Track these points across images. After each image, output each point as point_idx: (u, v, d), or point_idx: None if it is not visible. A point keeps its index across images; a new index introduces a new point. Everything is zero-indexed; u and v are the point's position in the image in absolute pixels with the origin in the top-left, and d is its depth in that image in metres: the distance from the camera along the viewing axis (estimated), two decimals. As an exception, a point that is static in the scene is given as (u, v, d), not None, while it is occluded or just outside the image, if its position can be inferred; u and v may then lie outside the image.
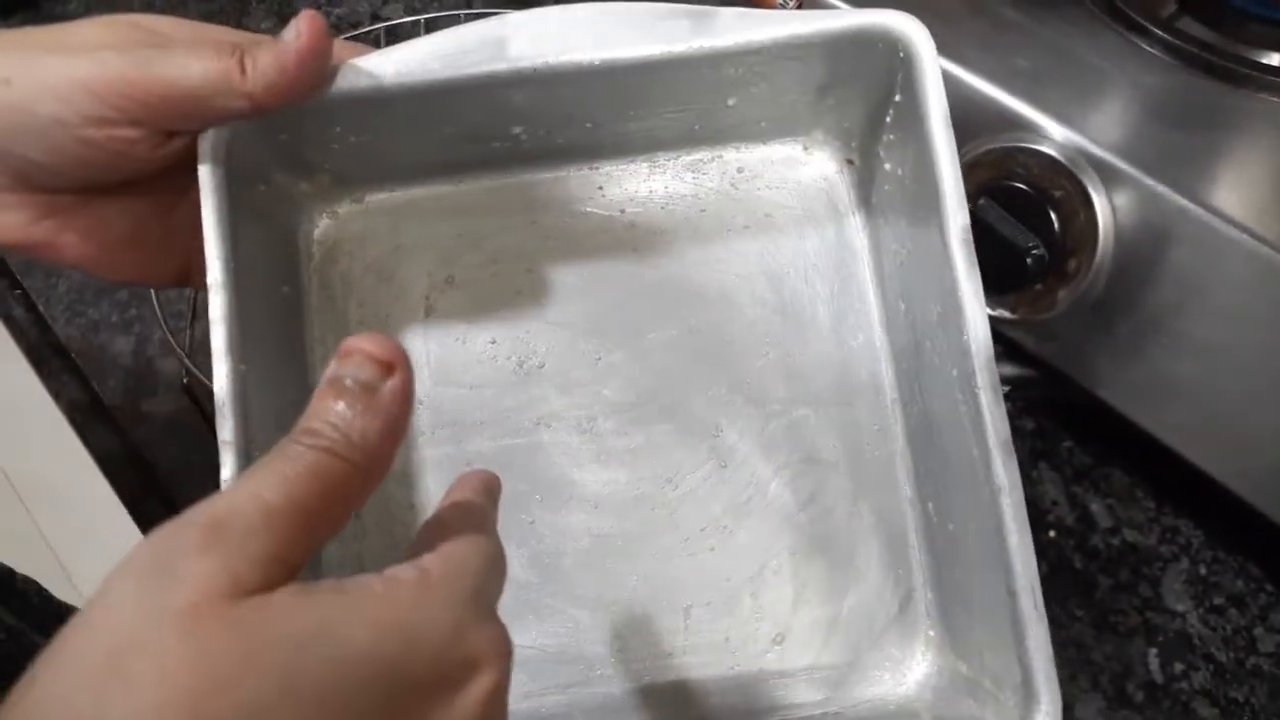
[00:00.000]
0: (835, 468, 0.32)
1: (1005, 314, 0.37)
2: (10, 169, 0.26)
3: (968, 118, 0.35)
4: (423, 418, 0.32)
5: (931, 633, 0.31)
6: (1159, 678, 0.36)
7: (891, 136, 0.30)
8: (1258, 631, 0.37)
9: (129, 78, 0.25)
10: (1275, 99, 0.35)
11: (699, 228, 0.33)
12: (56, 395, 0.43)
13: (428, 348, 0.33)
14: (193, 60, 0.25)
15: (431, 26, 0.48)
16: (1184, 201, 0.32)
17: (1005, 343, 0.38)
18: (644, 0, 0.28)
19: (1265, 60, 0.36)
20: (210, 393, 0.27)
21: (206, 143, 0.28)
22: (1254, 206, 0.32)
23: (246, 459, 0.27)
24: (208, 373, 0.28)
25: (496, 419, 0.32)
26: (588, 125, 0.31)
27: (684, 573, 0.32)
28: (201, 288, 0.32)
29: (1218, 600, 0.38)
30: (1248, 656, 0.37)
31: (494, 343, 0.33)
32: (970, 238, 0.27)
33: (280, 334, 0.31)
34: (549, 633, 0.31)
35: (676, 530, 0.32)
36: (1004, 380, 0.39)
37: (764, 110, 0.32)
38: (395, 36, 0.50)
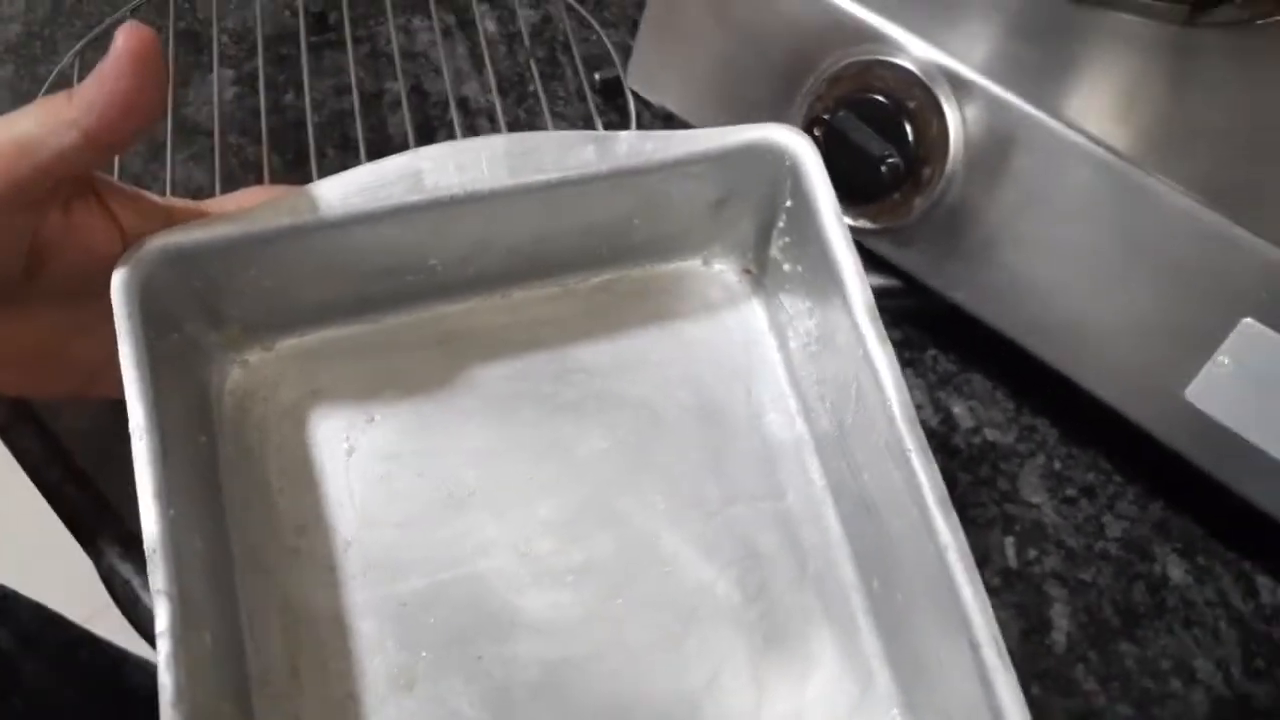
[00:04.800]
0: (775, 562, 0.32)
1: (866, 224, 0.39)
2: None
3: (829, 32, 0.38)
4: (352, 561, 0.31)
5: (894, 711, 0.31)
6: (1014, 563, 0.39)
7: (786, 239, 0.33)
8: (1106, 519, 0.40)
9: None
10: (1121, 15, 0.39)
11: (614, 343, 0.34)
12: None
13: (351, 489, 0.32)
14: (28, 111, 0.26)
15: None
16: (1028, 109, 0.35)
17: (868, 255, 0.39)
18: (551, 130, 0.30)
19: (1114, -23, 0.40)
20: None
21: (119, 292, 0.27)
22: (1094, 113, 0.35)
23: (181, 607, 0.25)
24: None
25: (430, 554, 0.31)
26: (503, 252, 0.32)
27: (641, 689, 0.31)
28: (100, 397, 0.31)
29: (1070, 492, 0.40)
30: (1096, 541, 0.39)
31: (420, 476, 0.32)
32: (877, 314, 0.29)
33: (202, 483, 0.29)
34: (508, 774, 0.30)
35: (627, 646, 0.31)
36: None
37: (666, 227, 0.34)
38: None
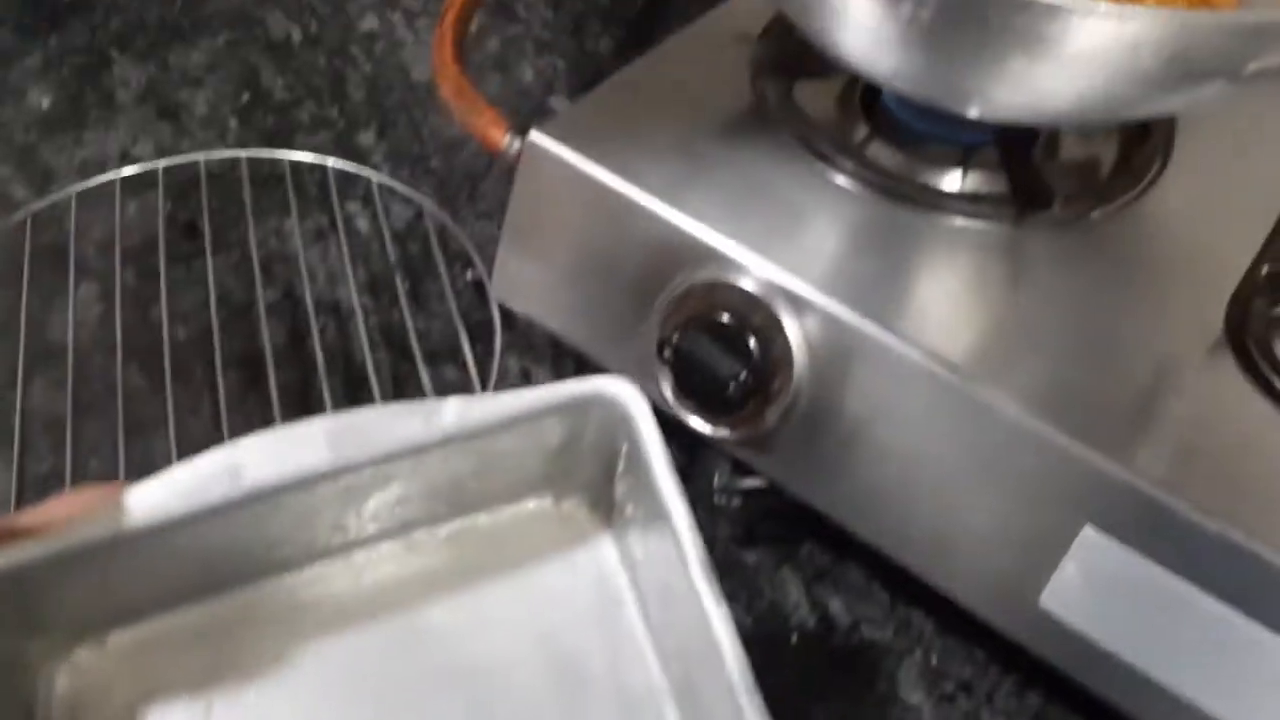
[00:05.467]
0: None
1: (724, 434, 0.40)
2: None
3: (673, 254, 0.39)
4: None
5: None
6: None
7: (627, 484, 0.33)
8: (984, 714, 0.39)
9: None
10: (952, 220, 0.40)
11: (464, 599, 0.33)
12: None
13: (192, 789, 0.30)
14: None
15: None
16: (861, 324, 0.36)
17: (734, 459, 0.41)
18: (371, 406, 0.30)
19: (945, 182, 0.42)
20: None
21: None
22: (928, 322, 0.36)
23: None
24: None
25: None
26: (338, 522, 0.32)
27: None
28: None
29: (948, 688, 0.40)
30: None
31: None
32: (709, 567, 0.29)
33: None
34: None
35: None
36: (742, 491, 0.42)
37: (509, 476, 0.33)
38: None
